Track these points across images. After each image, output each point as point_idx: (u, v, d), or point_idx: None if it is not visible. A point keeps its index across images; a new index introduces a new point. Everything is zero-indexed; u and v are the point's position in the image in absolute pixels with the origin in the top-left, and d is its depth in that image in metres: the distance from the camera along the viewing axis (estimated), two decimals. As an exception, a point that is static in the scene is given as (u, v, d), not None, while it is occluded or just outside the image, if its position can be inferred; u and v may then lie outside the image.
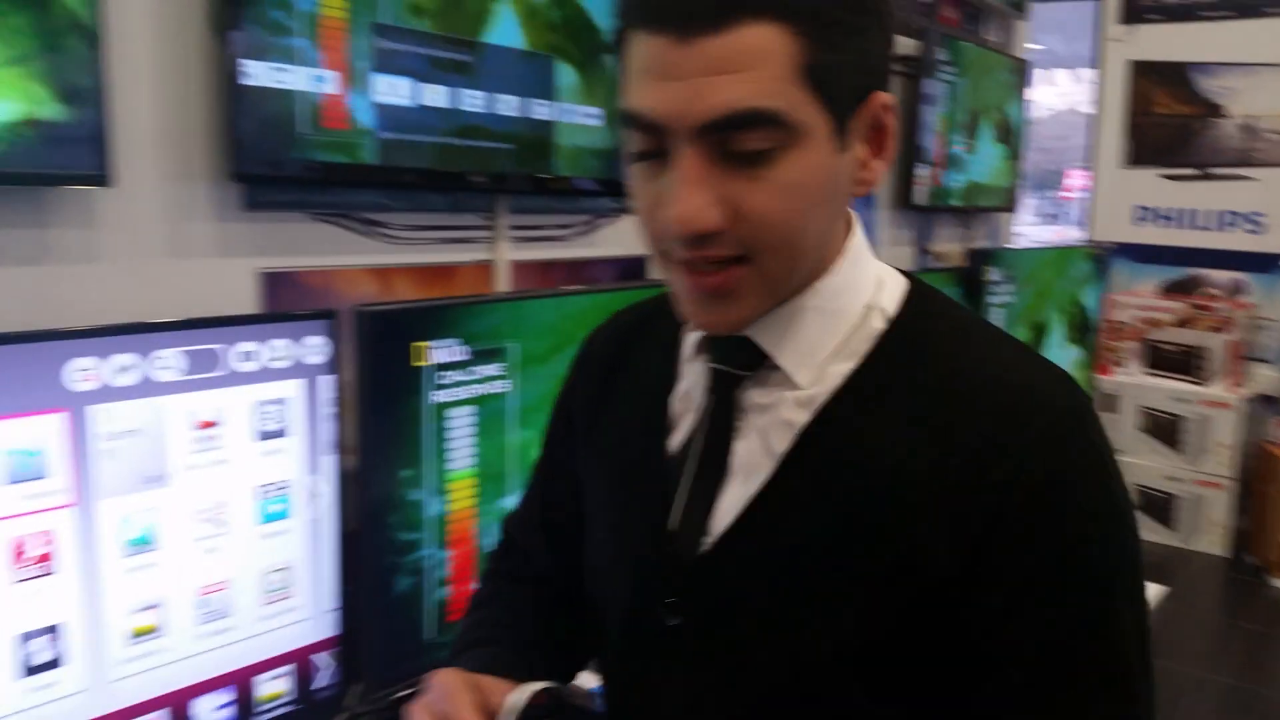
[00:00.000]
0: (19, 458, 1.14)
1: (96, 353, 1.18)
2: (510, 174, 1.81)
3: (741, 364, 0.81)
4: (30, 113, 1.23)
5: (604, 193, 2.03)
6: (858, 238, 0.82)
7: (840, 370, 0.78)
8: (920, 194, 3.14)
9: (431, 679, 0.81)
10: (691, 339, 0.87)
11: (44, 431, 1.15)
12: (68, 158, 1.26)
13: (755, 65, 0.68)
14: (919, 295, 0.82)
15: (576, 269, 2.10)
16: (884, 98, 0.76)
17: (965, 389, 0.75)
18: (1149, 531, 4.06)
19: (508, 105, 1.77)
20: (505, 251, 1.91)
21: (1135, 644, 0.74)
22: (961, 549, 0.72)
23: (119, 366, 1.20)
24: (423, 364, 1.50)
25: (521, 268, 1.95)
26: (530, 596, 1.01)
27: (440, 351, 1.51)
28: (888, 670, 0.75)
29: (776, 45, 0.68)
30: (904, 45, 3.10)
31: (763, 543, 0.78)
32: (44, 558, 1.17)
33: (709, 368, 0.83)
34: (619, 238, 2.16)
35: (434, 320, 1.51)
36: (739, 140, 0.69)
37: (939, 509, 0.72)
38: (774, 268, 0.74)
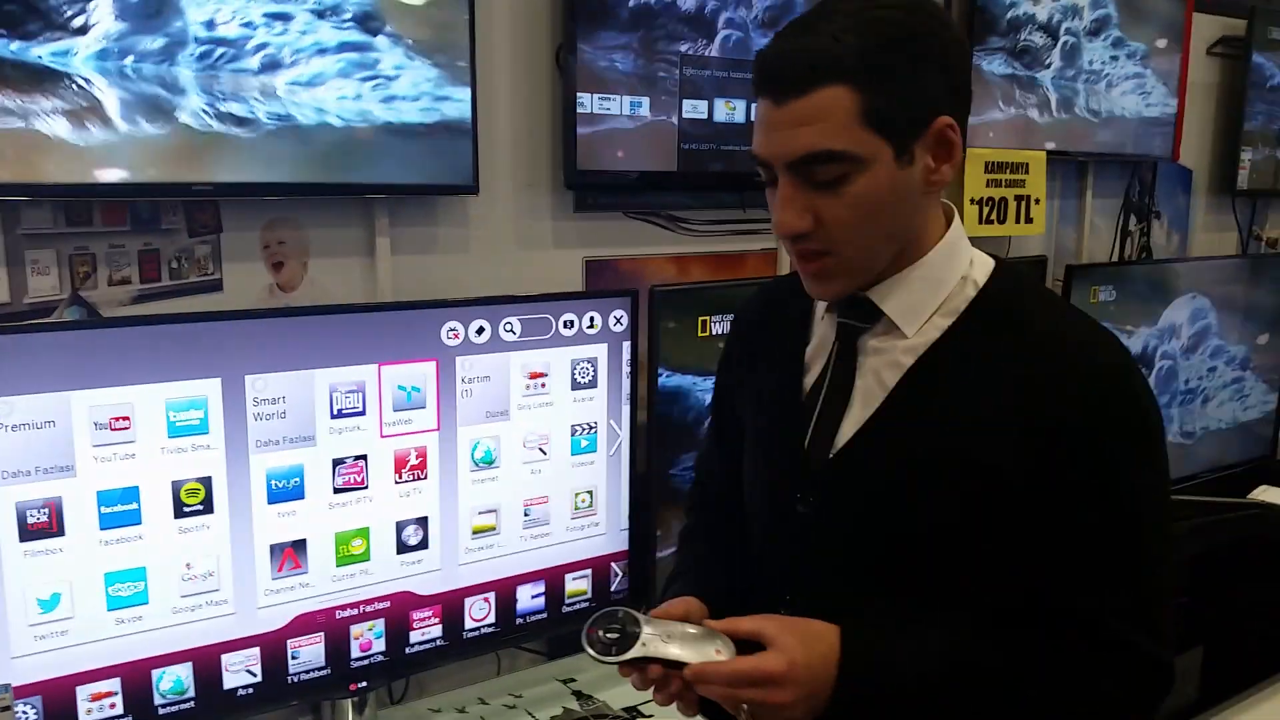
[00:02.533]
0: (406, 392, 1.58)
1: (461, 319, 1.61)
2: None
3: (862, 318, 1.06)
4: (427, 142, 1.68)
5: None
6: (956, 227, 1.06)
7: (940, 325, 1.03)
8: (1245, 178, 3.05)
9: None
10: (822, 305, 1.12)
11: (423, 374, 1.59)
12: (452, 174, 1.71)
13: (826, 118, 0.93)
14: (1003, 272, 1.06)
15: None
16: (945, 119, 0.97)
17: (1034, 341, 0.99)
18: None
19: (794, 115, 2.05)
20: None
21: (1155, 543, 0.99)
22: (1028, 458, 0.96)
23: (477, 328, 1.63)
24: (705, 335, 1.83)
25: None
26: (713, 523, 1.30)
27: (719, 325, 1.84)
28: (961, 548, 1.00)
29: (842, 100, 0.93)
30: (1229, 25, 3.01)
31: (872, 452, 1.04)
32: (418, 467, 1.61)
33: (837, 322, 1.08)
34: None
35: (715, 298, 1.84)
36: (818, 172, 0.95)
37: (1011, 427, 0.97)
38: (850, 258, 1.00)
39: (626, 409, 1.79)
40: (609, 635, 1.00)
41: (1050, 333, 1.01)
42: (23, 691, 1.34)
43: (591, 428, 1.77)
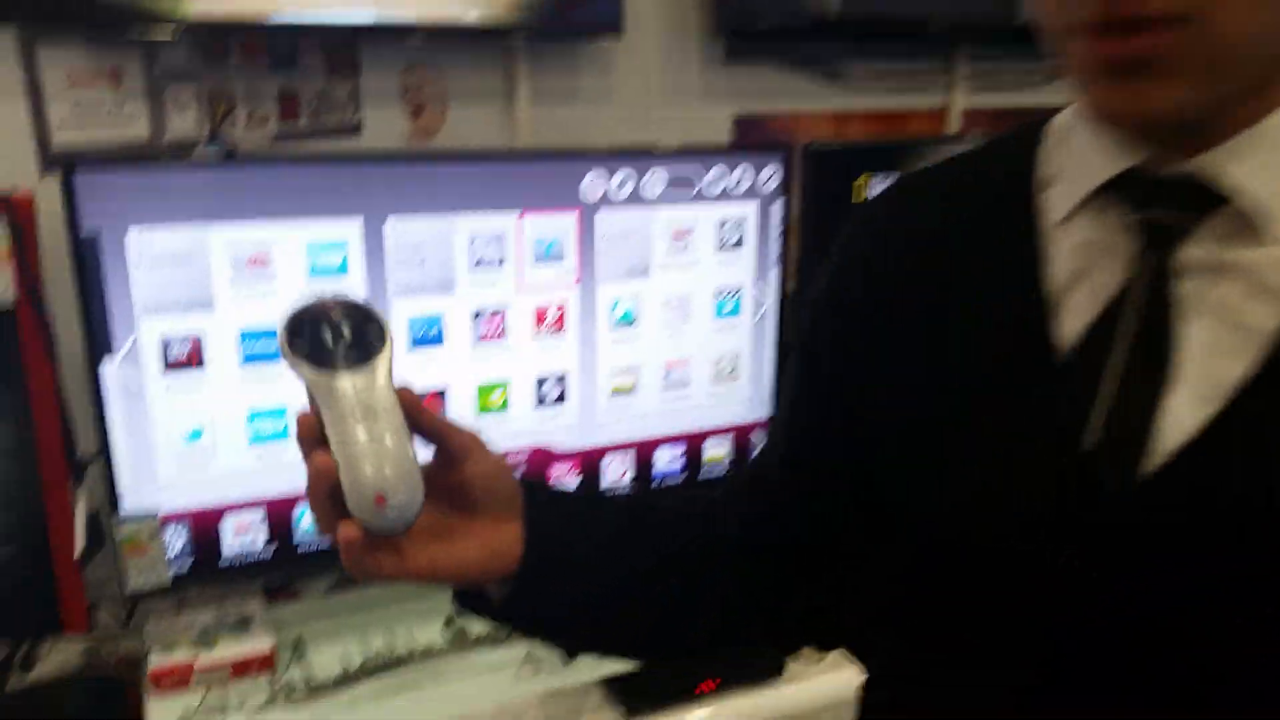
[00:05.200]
0: (545, 244, 1.53)
1: (605, 170, 1.53)
2: (972, 22, 1.90)
3: (1183, 211, 0.58)
4: (570, -21, 1.59)
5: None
6: None
7: None
8: None
9: None
10: (1064, 194, 0.64)
11: (563, 226, 1.53)
12: (590, 15, 1.61)
13: None
14: None
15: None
16: None
17: None
18: None
19: (975, -46, 1.85)
20: (960, 98, 2.02)
21: None
22: None
23: (620, 181, 1.55)
24: (861, 199, 1.71)
25: (975, 115, 2.05)
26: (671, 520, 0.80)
27: (878, 188, 1.71)
28: None
29: None
30: None
31: (1244, 461, 0.56)
32: (558, 322, 1.57)
33: (1130, 220, 0.60)
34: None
35: (873, 159, 1.70)
36: None
37: None
38: (1233, 30, 0.50)
39: (775, 274, 1.70)
40: (340, 337, 0.60)
41: None
42: (170, 520, 1.38)
43: (736, 292, 1.68)
